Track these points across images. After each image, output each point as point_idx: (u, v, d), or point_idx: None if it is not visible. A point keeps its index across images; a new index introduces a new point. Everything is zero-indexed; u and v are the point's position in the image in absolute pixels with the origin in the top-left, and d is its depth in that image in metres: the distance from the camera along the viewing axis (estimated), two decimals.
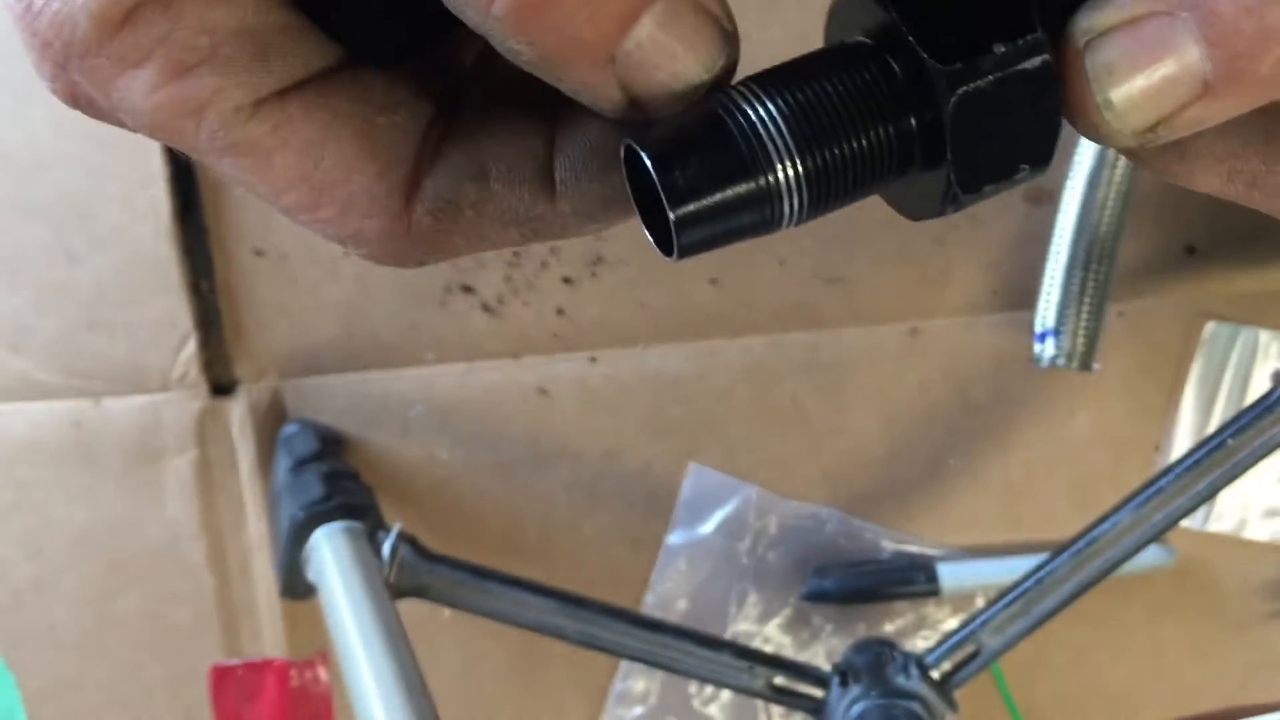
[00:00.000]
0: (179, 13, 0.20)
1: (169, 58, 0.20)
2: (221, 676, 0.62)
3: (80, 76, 0.21)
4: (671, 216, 0.20)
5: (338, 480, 0.54)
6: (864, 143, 0.21)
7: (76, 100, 0.22)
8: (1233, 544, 0.60)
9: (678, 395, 0.60)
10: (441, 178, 0.22)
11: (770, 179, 0.20)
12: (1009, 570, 0.58)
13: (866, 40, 0.21)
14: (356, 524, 0.50)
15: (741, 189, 0.20)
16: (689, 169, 0.20)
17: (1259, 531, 0.60)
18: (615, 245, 0.58)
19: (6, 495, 0.61)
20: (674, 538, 0.61)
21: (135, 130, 0.22)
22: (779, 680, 0.50)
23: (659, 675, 0.62)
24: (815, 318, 0.59)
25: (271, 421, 0.61)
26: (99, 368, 0.60)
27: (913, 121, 0.20)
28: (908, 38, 0.20)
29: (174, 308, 0.59)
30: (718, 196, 0.20)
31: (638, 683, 0.62)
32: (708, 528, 0.61)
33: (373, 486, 0.56)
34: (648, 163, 0.20)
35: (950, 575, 0.59)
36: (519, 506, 0.61)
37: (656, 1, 0.19)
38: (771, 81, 0.21)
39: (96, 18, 0.20)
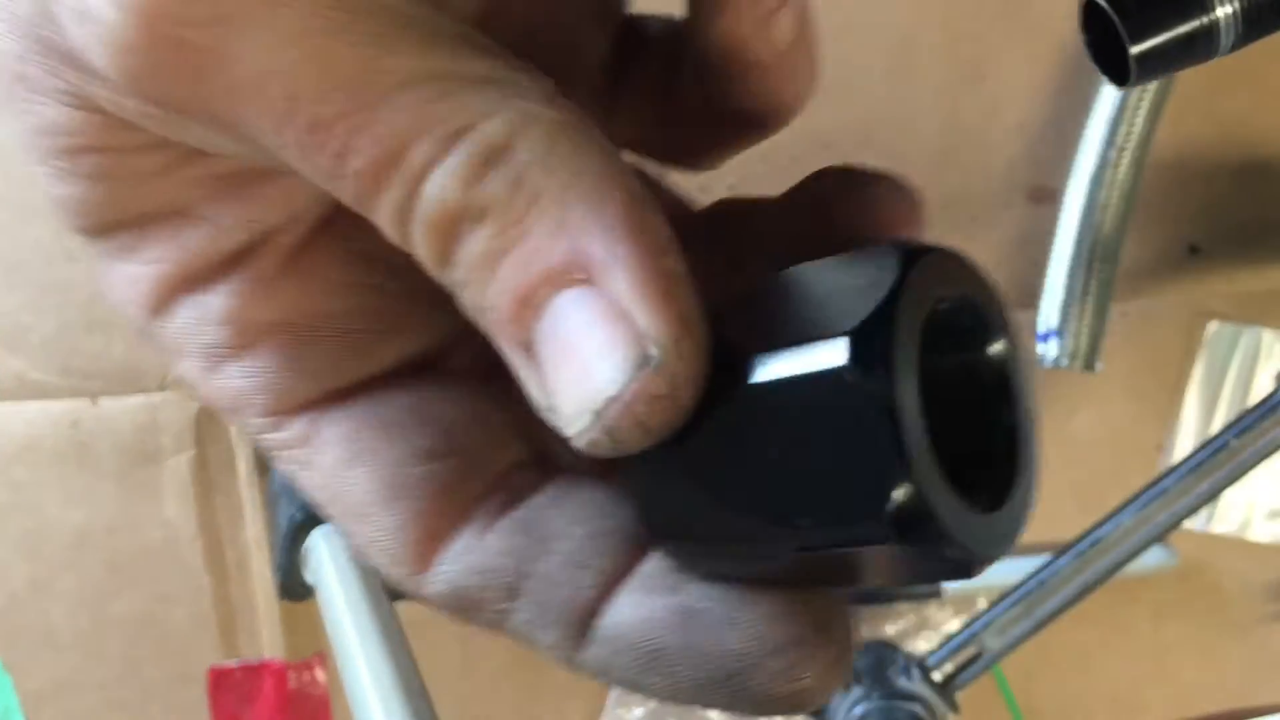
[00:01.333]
0: (212, 296, 0.18)
1: (200, 349, 0.19)
2: (219, 678, 0.62)
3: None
4: (1132, 52, 0.24)
5: None
6: None
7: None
8: (1236, 545, 0.60)
9: None
10: (463, 572, 0.18)
11: (1214, 16, 0.24)
12: (1011, 572, 0.58)
13: None
14: None
15: (1190, 27, 0.24)
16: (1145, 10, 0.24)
17: (1262, 533, 0.60)
18: None
19: (3, 495, 0.61)
20: None
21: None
22: None
23: None
24: None
25: None
26: (96, 367, 0.60)
27: None
28: None
29: None
30: (1169, 35, 0.24)
31: None
32: None
33: None
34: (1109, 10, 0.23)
35: None
36: None
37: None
38: None
39: (134, 304, 0.19)
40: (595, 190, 0.15)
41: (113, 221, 0.19)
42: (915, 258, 0.15)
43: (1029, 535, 0.60)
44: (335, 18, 0.15)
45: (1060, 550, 0.50)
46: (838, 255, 0.16)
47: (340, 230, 0.19)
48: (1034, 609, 0.50)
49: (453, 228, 0.16)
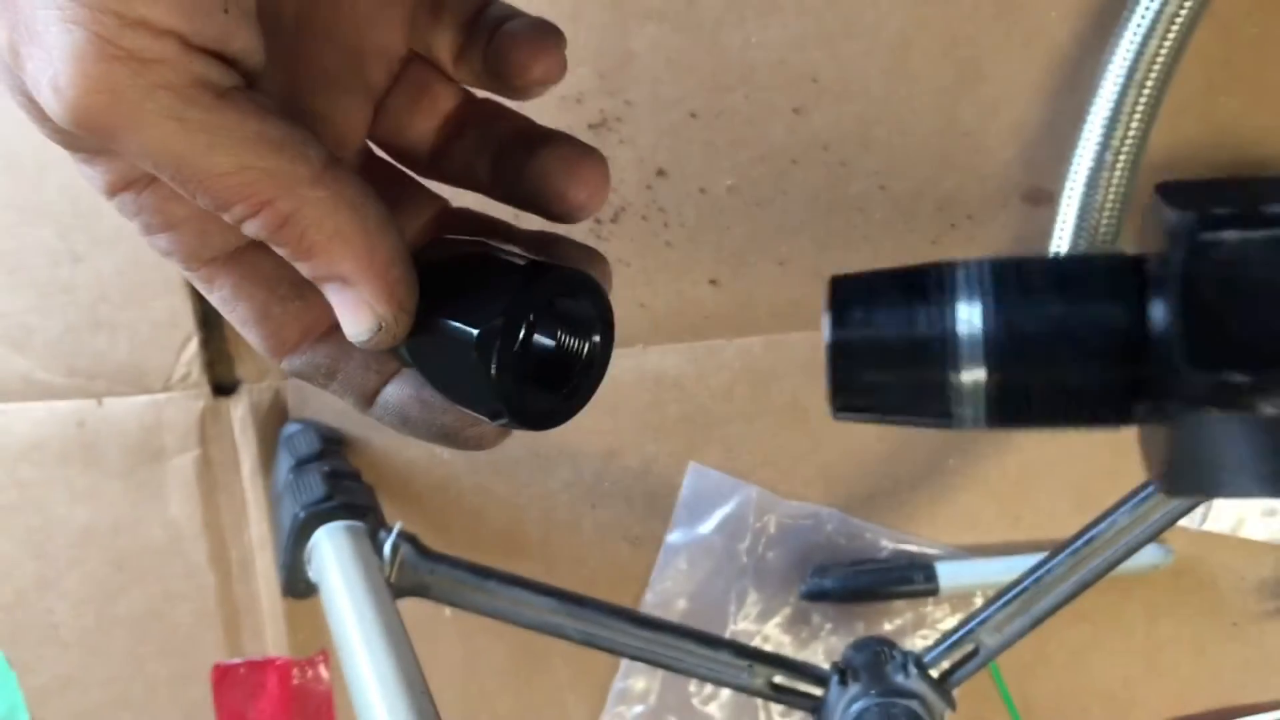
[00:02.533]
0: (141, 199, 0.29)
1: (139, 224, 0.30)
2: (224, 675, 0.62)
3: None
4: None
5: (339, 480, 0.54)
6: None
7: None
8: (1230, 543, 0.60)
9: (677, 395, 0.60)
10: (294, 368, 0.32)
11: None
12: (1007, 569, 0.58)
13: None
14: (358, 523, 0.51)
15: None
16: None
17: (1256, 530, 0.60)
18: (615, 246, 0.58)
19: (9, 494, 0.61)
20: (674, 537, 0.61)
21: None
22: (778, 679, 0.50)
23: (659, 674, 0.62)
24: (815, 318, 0.59)
25: (273, 421, 0.61)
26: (101, 368, 0.60)
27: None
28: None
29: (176, 308, 0.59)
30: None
31: (638, 681, 0.62)
32: (707, 527, 0.61)
33: (374, 486, 0.56)
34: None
35: (949, 574, 0.59)
36: (519, 505, 0.61)
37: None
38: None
39: (98, 186, 0.29)
40: (347, 237, 0.28)
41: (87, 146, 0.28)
42: (540, 273, 0.30)
43: (1025, 533, 0.60)
44: (188, 122, 0.25)
45: (1056, 548, 0.50)
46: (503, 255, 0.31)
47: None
48: (1030, 606, 0.50)
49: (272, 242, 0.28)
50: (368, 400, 0.32)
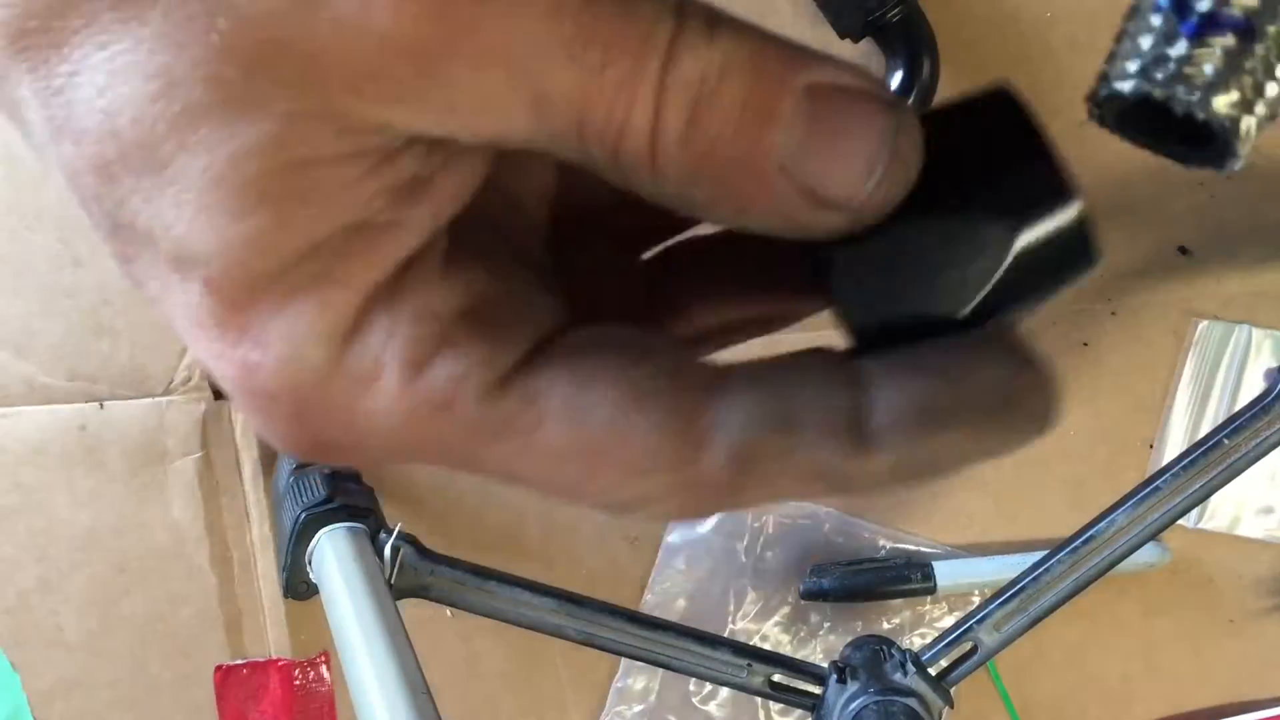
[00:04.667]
0: (400, 304, 0.19)
1: (402, 357, 0.19)
2: (226, 676, 0.62)
3: (319, 419, 0.19)
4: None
5: (340, 482, 0.55)
6: None
7: (318, 448, 0.20)
8: (1227, 541, 0.60)
9: None
10: (741, 426, 0.19)
11: None
12: (1005, 568, 0.58)
13: None
14: (358, 525, 0.51)
15: None
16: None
17: (1252, 529, 0.60)
18: None
19: (12, 498, 0.61)
20: (673, 537, 0.61)
21: (391, 460, 0.20)
22: (777, 677, 0.50)
23: (659, 673, 0.62)
24: (814, 317, 0.59)
25: None
26: (103, 371, 0.60)
27: None
28: None
29: None
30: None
31: (638, 680, 0.62)
32: (706, 527, 0.61)
33: (374, 487, 0.56)
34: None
35: (946, 573, 0.59)
36: (519, 506, 0.62)
37: (787, 98, 0.18)
38: None
39: (325, 337, 0.18)
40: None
41: (303, 247, 0.18)
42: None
43: (1023, 532, 0.60)
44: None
45: (1054, 548, 0.50)
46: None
47: (468, 225, 0.20)
48: (1028, 605, 0.50)
49: (703, 88, 0.18)
50: (856, 438, 0.20)
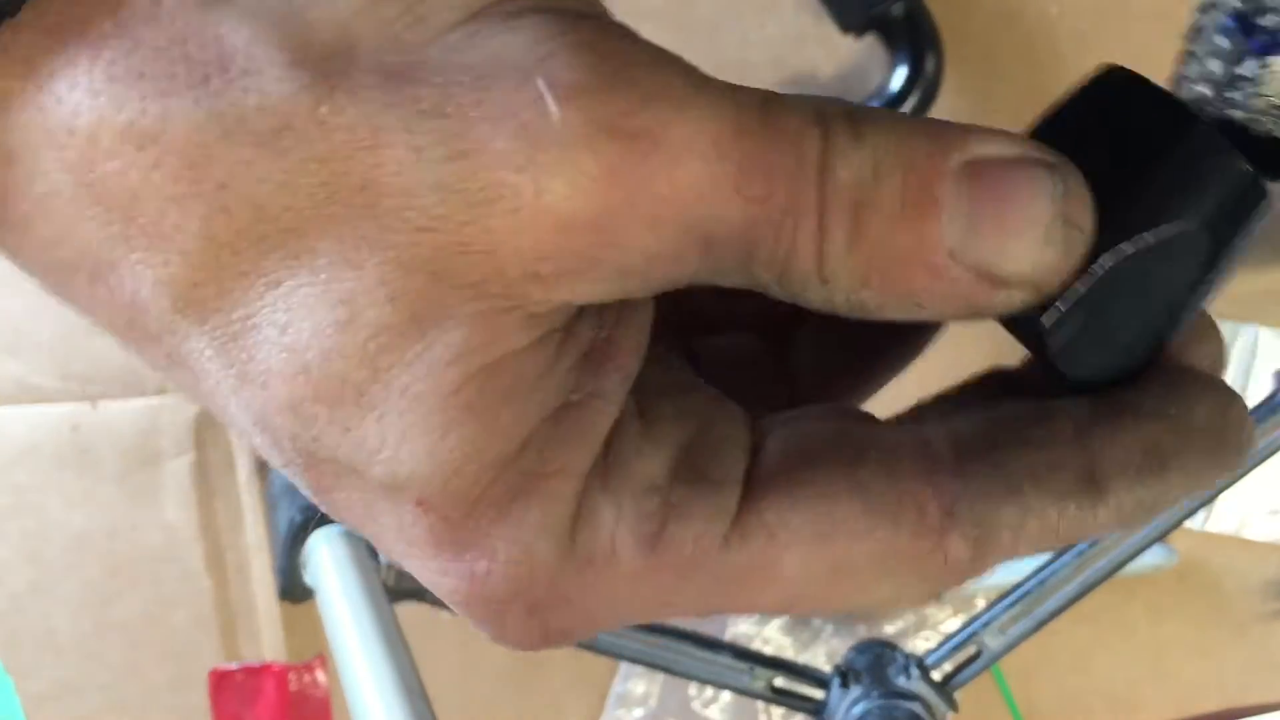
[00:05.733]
0: (618, 481, 0.18)
1: (636, 535, 0.18)
2: (221, 680, 0.62)
3: (554, 609, 0.19)
4: None
5: None
6: None
7: (548, 637, 0.20)
8: (1233, 544, 0.60)
9: None
10: (973, 503, 0.19)
11: None
12: (1010, 571, 0.58)
13: None
14: None
15: None
16: None
17: (1259, 531, 0.60)
18: None
19: (5, 499, 0.61)
20: None
21: (622, 626, 0.20)
22: (779, 681, 0.50)
23: (659, 677, 0.62)
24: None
25: None
26: (96, 371, 0.60)
27: None
28: None
29: None
30: None
31: (637, 685, 0.62)
32: None
33: None
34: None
35: None
36: None
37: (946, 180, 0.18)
38: None
39: (552, 531, 0.18)
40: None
41: (512, 447, 0.18)
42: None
43: None
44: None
45: (1059, 551, 0.50)
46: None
47: (640, 377, 0.20)
48: (1033, 608, 0.50)
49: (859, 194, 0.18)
50: (1088, 504, 0.20)
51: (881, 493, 0.19)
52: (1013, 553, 0.20)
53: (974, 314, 0.19)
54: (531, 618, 0.19)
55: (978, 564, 0.20)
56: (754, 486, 0.19)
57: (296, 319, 0.17)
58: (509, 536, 0.18)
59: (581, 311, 0.18)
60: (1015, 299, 0.18)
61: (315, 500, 0.18)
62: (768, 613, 0.20)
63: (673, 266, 0.18)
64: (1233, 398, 0.20)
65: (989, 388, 0.23)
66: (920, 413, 0.22)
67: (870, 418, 0.21)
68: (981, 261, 0.18)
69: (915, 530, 0.19)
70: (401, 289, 0.17)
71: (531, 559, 0.18)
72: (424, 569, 0.19)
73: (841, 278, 0.18)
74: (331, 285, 0.17)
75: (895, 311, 0.19)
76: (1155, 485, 0.19)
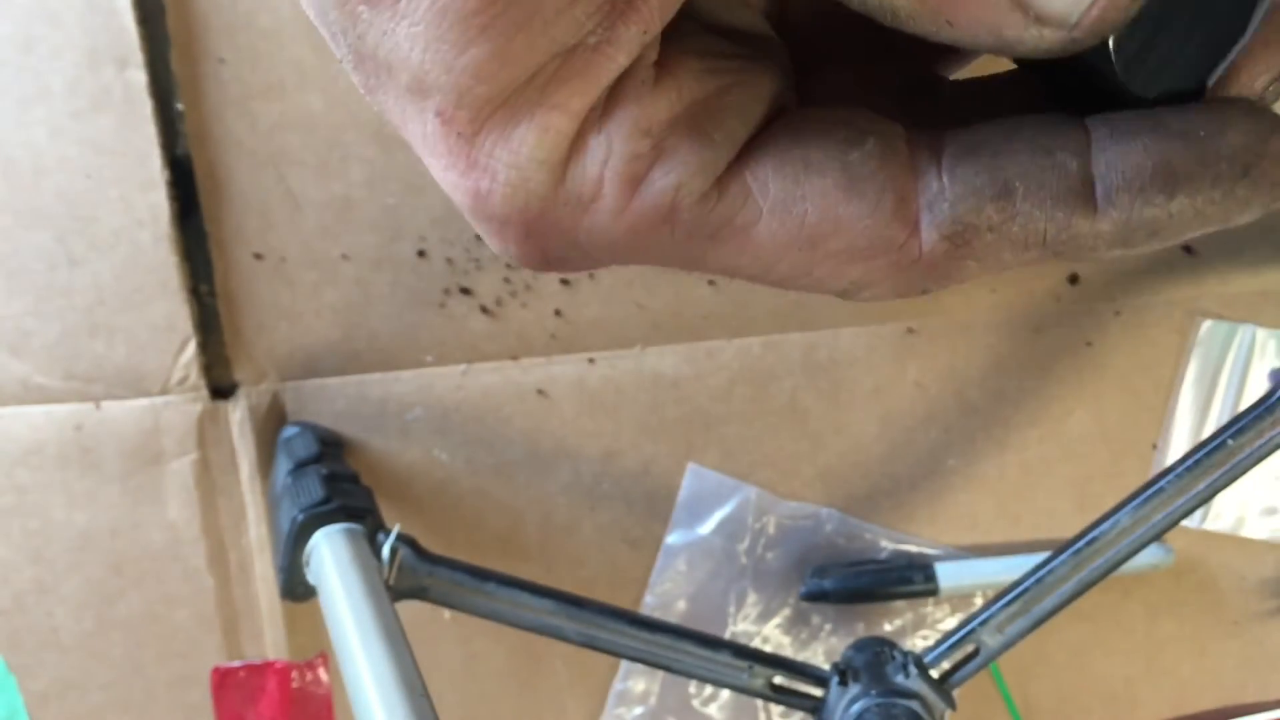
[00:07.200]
0: (613, 124, 0.20)
1: (620, 175, 0.20)
2: (223, 678, 0.62)
3: (548, 236, 0.20)
4: None
5: (338, 482, 0.54)
6: None
7: (549, 262, 0.21)
8: (1231, 542, 0.60)
9: (676, 396, 0.60)
10: (955, 200, 0.20)
11: None
12: (1007, 569, 0.58)
13: None
14: (356, 526, 0.51)
15: None
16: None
17: (1257, 530, 0.60)
18: None
19: (7, 499, 0.61)
20: (673, 538, 0.61)
21: (614, 263, 0.21)
22: (778, 679, 0.50)
23: (659, 675, 0.62)
24: (813, 318, 0.59)
25: (271, 424, 0.61)
26: (99, 371, 0.60)
27: None
28: None
29: (174, 311, 0.59)
30: None
31: (638, 683, 0.62)
32: (707, 528, 0.61)
33: (372, 488, 0.56)
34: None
35: (949, 575, 0.59)
36: (518, 507, 0.61)
37: None
38: None
39: (545, 162, 0.19)
40: None
41: (521, 75, 0.19)
42: None
43: (1026, 533, 0.60)
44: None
45: (1057, 549, 0.50)
46: None
47: (678, 30, 0.21)
48: (1031, 607, 0.50)
49: None
50: (1083, 213, 0.20)
51: (866, 176, 0.20)
52: (996, 259, 0.20)
53: (1001, 46, 0.18)
54: (528, 240, 0.20)
55: (955, 263, 0.20)
56: (748, 150, 0.20)
57: None
58: (507, 161, 0.19)
59: None
60: (1046, 39, 0.18)
61: (368, 101, 0.20)
62: (744, 278, 0.21)
63: None
64: (1276, 127, 0.19)
65: (1021, 92, 0.22)
66: (939, 103, 0.22)
67: (892, 120, 0.21)
68: None
69: (891, 217, 0.19)
70: None
71: (526, 185, 0.20)
72: (443, 178, 0.20)
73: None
74: None
75: (924, 25, 0.18)
76: (1161, 206, 0.19)
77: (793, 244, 0.20)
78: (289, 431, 0.60)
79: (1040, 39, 0.18)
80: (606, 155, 0.20)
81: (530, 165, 0.19)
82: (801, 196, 0.20)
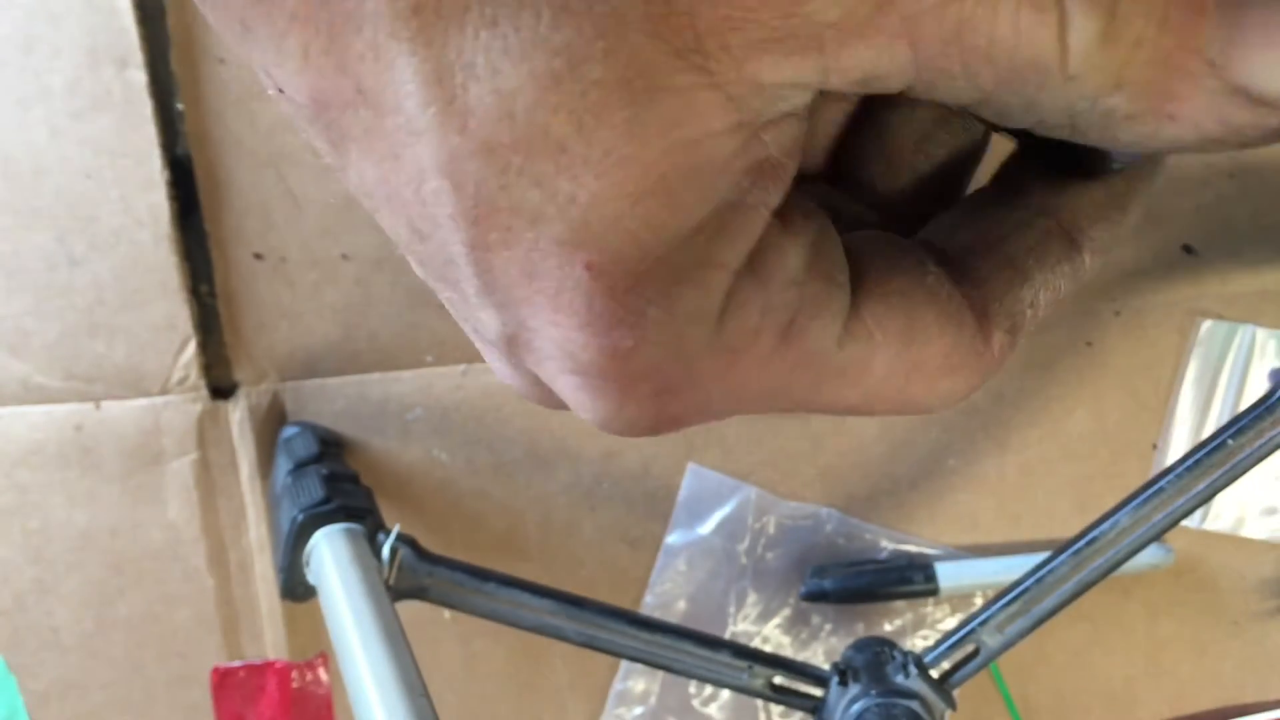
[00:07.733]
0: (765, 275, 0.19)
1: (777, 326, 0.19)
2: (223, 678, 0.62)
3: (680, 393, 0.20)
4: None
5: (338, 482, 0.54)
6: None
7: (661, 423, 0.20)
8: (1230, 542, 0.60)
9: None
10: (1004, 296, 0.21)
11: None
12: (1007, 569, 0.58)
13: None
14: (356, 526, 0.51)
15: None
16: None
17: (1257, 530, 0.60)
18: None
19: (8, 498, 0.61)
20: (673, 538, 0.61)
21: (734, 414, 0.21)
22: (778, 679, 0.50)
23: (659, 675, 0.62)
24: None
25: (271, 424, 0.61)
26: (99, 371, 0.60)
27: None
28: None
29: (174, 311, 0.59)
30: None
31: (638, 683, 0.62)
32: (707, 528, 0.61)
33: (372, 488, 0.56)
34: None
35: (948, 574, 0.59)
36: (518, 507, 0.61)
37: None
38: None
39: (705, 318, 0.19)
40: None
41: (689, 230, 0.18)
42: None
43: (1026, 533, 0.60)
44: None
45: (1057, 549, 0.50)
46: None
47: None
48: (1031, 607, 0.50)
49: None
50: (1077, 263, 0.23)
51: (947, 297, 0.21)
52: (1034, 325, 0.22)
53: (1225, 138, 0.18)
54: (654, 400, 0.19)
55: (1013, 349, 0.22)
56: (865, 296, 0.21)
57: (510, 64, 0.16)
58: (663, 319, 0.18)
59: (778, 120, 0.18)
60: (1272, 123, 0.17)
61: (467, 256, 0.18)
62: (839, 413, 0.21)
63: (877, 54, 0.17)
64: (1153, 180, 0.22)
65: (972, 200, 0.25)
66: (926, 233, 0.24)
67: (900, 238, 0.23)
68: (1242, 76, 0.17)
69: (976, 331, 0.21)
70: (616, 45, 0.16)
71: (680, 342, 0.19)
72: (565, 339, 0.19)
73: (1090, 75, 0.17)
74: (549, 34, 0.16)
75: (1141, 129, 0.18)
76: (1122, 222, 0.22)
77: (900, 373, 0.21)
78: (289, 431, 0.60)
79: (1267, 123, 0.18)
80: (765, 307, 0.19)
81: (689, 322, 0.19)
82: (911, 329, 0.20)
